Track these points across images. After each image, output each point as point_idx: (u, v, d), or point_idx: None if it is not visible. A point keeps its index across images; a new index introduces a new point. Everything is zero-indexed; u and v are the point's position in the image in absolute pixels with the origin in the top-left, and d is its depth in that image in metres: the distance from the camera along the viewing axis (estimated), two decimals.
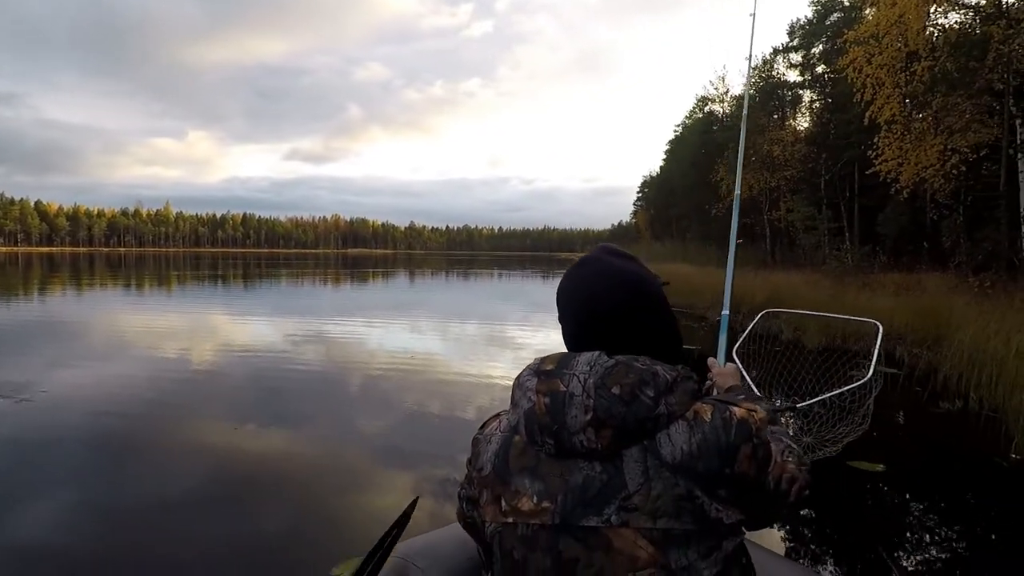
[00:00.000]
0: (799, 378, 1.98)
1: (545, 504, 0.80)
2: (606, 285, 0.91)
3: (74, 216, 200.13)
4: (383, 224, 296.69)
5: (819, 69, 25.49)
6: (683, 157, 38.40)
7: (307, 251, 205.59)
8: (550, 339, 9.80)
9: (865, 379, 1.73)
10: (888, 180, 14.26)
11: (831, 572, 2.88)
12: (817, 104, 25.98)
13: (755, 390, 1.71)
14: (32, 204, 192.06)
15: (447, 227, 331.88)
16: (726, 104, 34.78)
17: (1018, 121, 12.54)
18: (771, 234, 26.18)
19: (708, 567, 0.75)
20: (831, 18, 24.41)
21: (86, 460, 4.23)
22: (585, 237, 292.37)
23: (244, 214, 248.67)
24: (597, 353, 0.85)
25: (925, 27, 13.65)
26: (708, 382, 1.32)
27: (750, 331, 1.98)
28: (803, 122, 27.09)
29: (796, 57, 26.67)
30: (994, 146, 13.05)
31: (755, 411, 0.83)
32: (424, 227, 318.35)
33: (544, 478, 0.81)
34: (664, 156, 49.73)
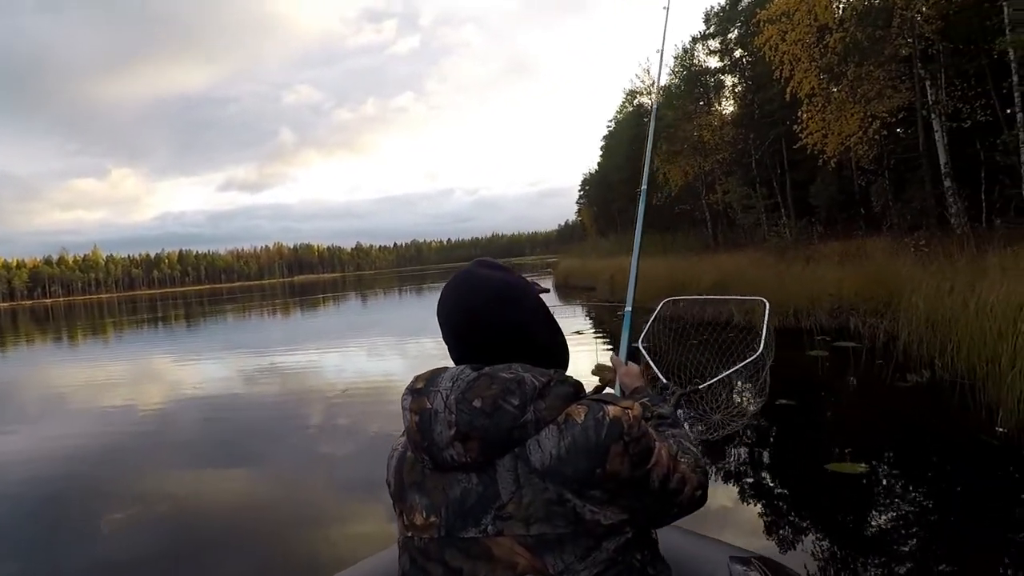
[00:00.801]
0: (707, 359, 2.04)
1: (432, 518, 0.83)
2: (481, 297, 0.91)
3: None
4: (329, 248, 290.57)
5: (737, 53, 26.10)
6: (618, 152, 38.82)
7: (251, 283, 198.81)
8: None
9: (756, 355, 1.83)
10: (815, 152, 14.49)
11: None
12: (739, 87, 26.59)
13: (661, 378, 1.79)
14: None
15: (395, 244, 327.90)
16: (654, 95, 35.38)
17: (927, 83, 12.92)
18: (711, 217, 26.54)
19: (587, 568, 0.77)
20: (743, 2, 25.01)
21: (23, 531, 3.90)
22: (534, 240, 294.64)
23: (180, 251, 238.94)
24: (462, 368, 0.87)
25: (832, 1, 13.93)
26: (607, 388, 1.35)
27: (654, 320, 2.05)
28: (728, 106, 27.74)
29: (715, 44, 27.26)
30: (910, 108, 13.41)
31: (630, 408, 0.83)
32: (371, 246, 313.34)
33: (429, 493, 0.84)
34: (600, 152, 50.29)
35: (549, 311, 0.98)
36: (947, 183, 12.62)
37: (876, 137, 12.89)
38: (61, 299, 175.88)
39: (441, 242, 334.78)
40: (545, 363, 0.89)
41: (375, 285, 57.25)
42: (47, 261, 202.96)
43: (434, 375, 0.88)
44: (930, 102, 12.82)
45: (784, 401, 4.87)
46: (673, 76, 28.30)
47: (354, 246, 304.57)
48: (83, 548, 3.57)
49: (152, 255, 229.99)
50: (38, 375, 12.37)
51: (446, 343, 0.96)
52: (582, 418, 0.80)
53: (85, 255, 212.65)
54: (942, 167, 12.68)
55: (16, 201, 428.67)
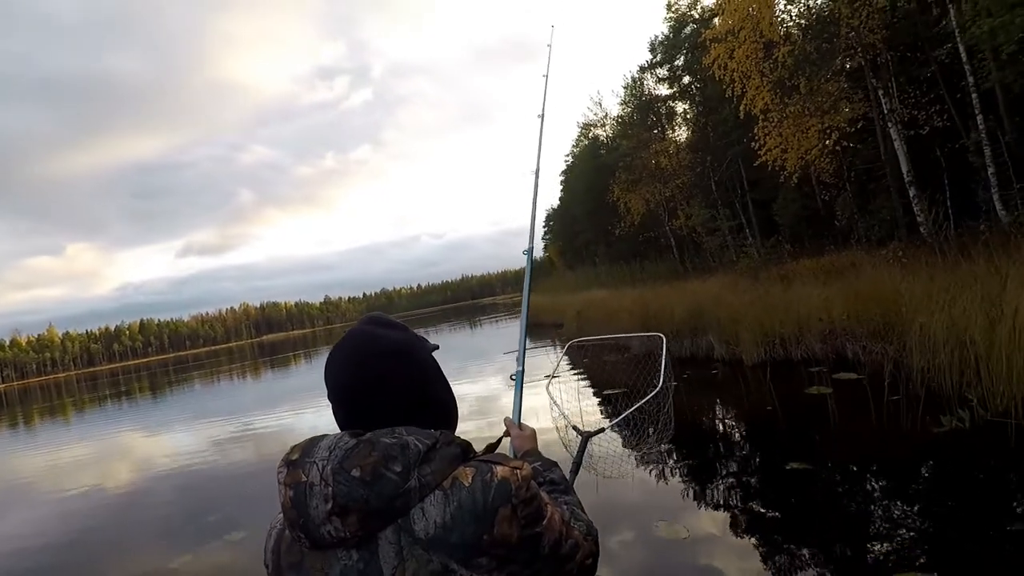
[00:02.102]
0: (617, 396, 1.85)
1: None
2: (376, 356, 0.87)
3: None
4: (296, 303, 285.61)
5: (686, 80, 26.28)
6: (578, 185, 38.75)
7: (218, 347, 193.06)
8: (488, 387, 9.35)
9: (657, 389, 1.87)
10: (775, 169, 14.12)
11: None
12: (691, 113, 26.69)
13: (568, 420, 1.83)
14: None
15: (364, 294, 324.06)
16: (607, 127, 35.61)
17: (880, 92, 12.71)
18: (676, 243, 26.20)
19: None
20: (686, 30, 25.29)
21: None
22: (504, 279, 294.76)
23: (141, 321, 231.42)
24: (340, 435, 0.81)
25: (776, 16, 13.80)
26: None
27: (558, 364, 2.15)
28: (683, 133, 27.83)
29: (663, 71, 27.46)
30: (867, 118, 13.15)
31: (519, 468, 0.80)
32: (340, 299, 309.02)
33: (307, 573, 0.79)
34: (560, 187, 50.36)
35: (441, 369, 0.96)
36: (912, 191, 12.28)
37: (836, 149, 12.55)
38: (15, 383, 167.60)
39: (411, 288, 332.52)
40: (435, 424, 0.86)
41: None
42: None
43: (310, 444, 0.82)
44: (885, 111, 12.59)
45: (796, 465, 3.97)
46: (625, 105, 28.33)
47: (322, 300, 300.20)
48: None
49: (112, 328, 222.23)
50: None
51: (332, 407, 0.90)
52: (469, 480, 0.77)
53: (39, 335, 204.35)
54: (905, 175, 12.35)
55: None
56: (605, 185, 28.89)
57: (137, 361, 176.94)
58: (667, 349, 1.98)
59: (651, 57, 27.78)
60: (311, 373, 22.06)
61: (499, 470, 0.78)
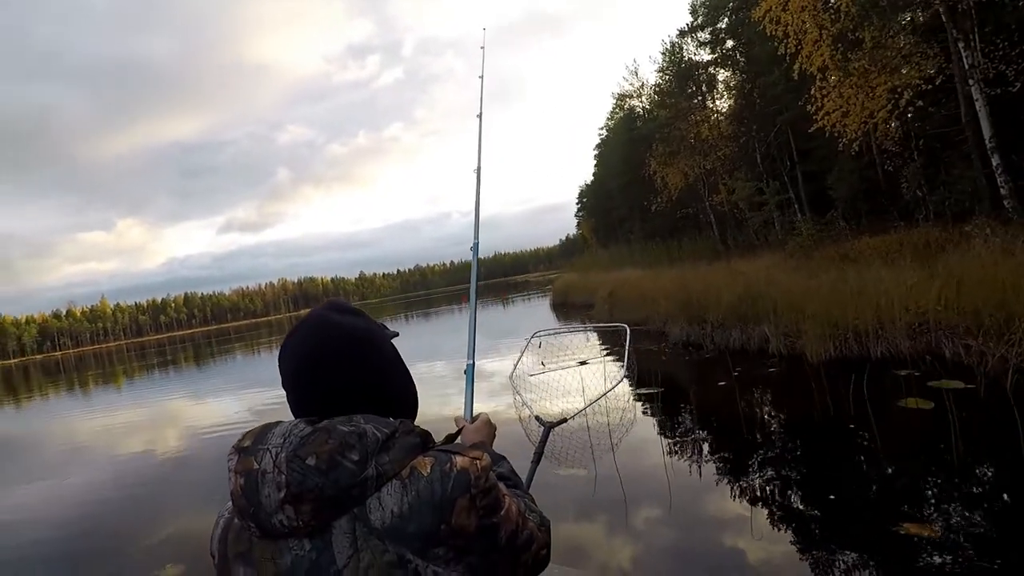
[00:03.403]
0: (580, 387, 2.11)
1: None
2: (328, 344, 0.85)
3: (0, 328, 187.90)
4: (332, 279, 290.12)
5: (729, 44, 24.44)
6: (613, 159, 37.23)
7: (258, 320, 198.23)
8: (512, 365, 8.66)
9: (618, 382, 1.91)
10: (833, 136, 12.61)
11: None
12: (735, 80, 24.85)
13: (532, 412, 1.84)
14: None
15: (398, 270, 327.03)
16: (644, 97, 33.85)
17: (960, 44, 11.06)
18: (716, 220, 24.66)
19: None
20: None
21: None
22: (537, 256, 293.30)
23: (186, 294, 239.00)
24: (296, 422, 0.79)
25: None
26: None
27: (521, 356, 2.02)
28: (725, 102, 26.02)
29: (704, 35, 25.63)
30: (946, 74, 11.50)
31: (479, 459, 0.79)
32: (375, 275, 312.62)
33: (257, 564, 0.76)
34: (595, 162, 48.76)
35: (400, 357, 0.95)
36: (995, 159, 10.71)
37: (910, 110, 10.99)
38: (71, 351, 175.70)
39: (445, 265, 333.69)
40: (394, 413, 0.86)
41: (381, 313, 55.95)
42: (55, 315, 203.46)
43: (263, 431, 0.80)
44: (965, 67, 10.96)
45: (914, 529, 2.73)
46: (663, 73, 26.59)
47: (357, 276, 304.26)
48: None
49: (159, 300, 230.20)
50: (55, 428, 12.08)
51: (287, 394, 0.88)
52: (428, 470, 0.75)
53: (92, 306, 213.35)
54: (987, 140, 10.78)
55: (26, 259, 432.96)
56: (641, 158, 27.47)
57: (182, 332, 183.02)
58: (630, 340, 2.00)
59: (691, 20, 25.99)
60: None
61: (458, 460, 0.77)
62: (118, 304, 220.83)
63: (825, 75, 12.27)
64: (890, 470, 3.48)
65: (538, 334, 2.14)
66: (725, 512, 3.30)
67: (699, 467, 3.92)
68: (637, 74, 33.88)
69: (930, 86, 10.92)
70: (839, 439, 4.05)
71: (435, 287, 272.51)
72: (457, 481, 0.74)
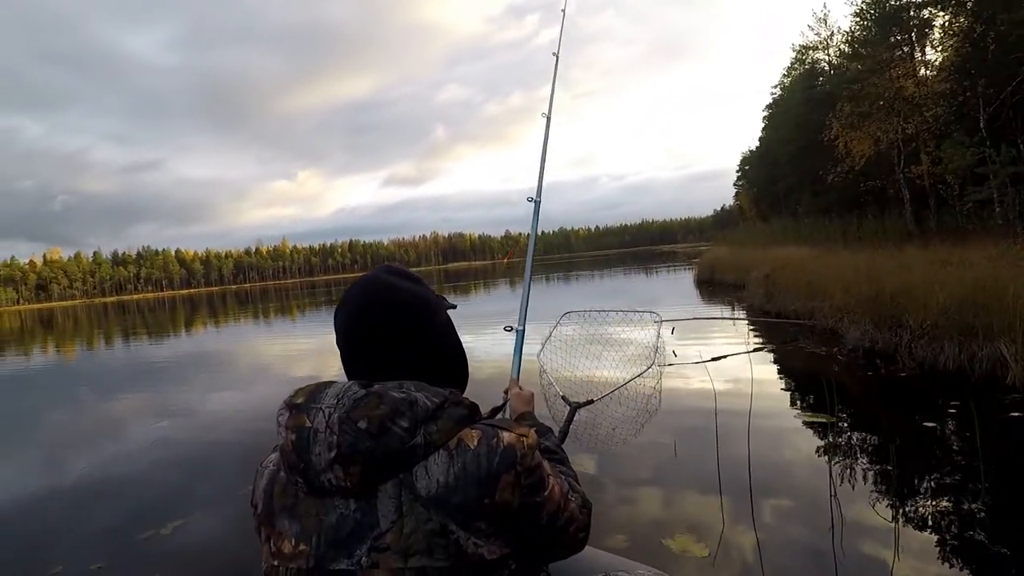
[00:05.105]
0: (605, 371, 1.95)
1: (302, 547, 0.75)
2: (384, 308, 0.87)
3: (206, 260, 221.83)
4: (480, 236, 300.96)
5: None
6: (785, 121, 32.93)
7: (410, 270, 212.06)
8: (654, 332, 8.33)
9: (647, 367, 1.86)
10: None
11: None
12: (956, 24, 20.09)
13: (559, 391, 1.83)
14: (172, 253, 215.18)
15: (542, 232, 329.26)
16: (832, 49, 29.15)
17: None
18: (911, 195, 20.56)
19: None
20: None
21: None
22: (687, 226, 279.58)
23: (350, 241, 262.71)
24: (348, 384, 0.80)
25: None
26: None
27: (551, 333, 2.03)
28: (936, 55, 21.26)
29: None
30: None
31: (525, 436, 0.79)
32: (520, 235, 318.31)
33: (301, 518, 0.77)
34: (763, 125, 43.86)
35: (454, 327, 0.96)
36: None
37: None
38: (257, 283, 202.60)
39: (589, 229, 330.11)
40: (444, 382, 0.85)
41: (522, 272, 56.29)
42: (247, 252, 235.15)
43: (317, 390, 0.81)
44: None
45: None
46: (860, 18, 22.38)
47: (503, 234, 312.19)
48: None
49: (328, 245, 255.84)
50: (245, 347, 13.56)
51: (341, 353, 0.90)
52: (475, 444, 0.76)
53: (275, 246, 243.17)
54: None
55: (229, 201, 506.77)
56: (820, 121, 23.71)
57: (346, 275, 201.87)
58: (660, 329, 1.98)
59: None
60: (489, 303, 21.87)
61: (505, 436, 0.77)
62: (295, 246, 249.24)
63: None
64: None
65: (569, 313, 2.09)
66: None
67: None
68: (825, 22, 29.07)
69: None
70: None
71: (577, 251, 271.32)
72: (503, 457, 0.74)
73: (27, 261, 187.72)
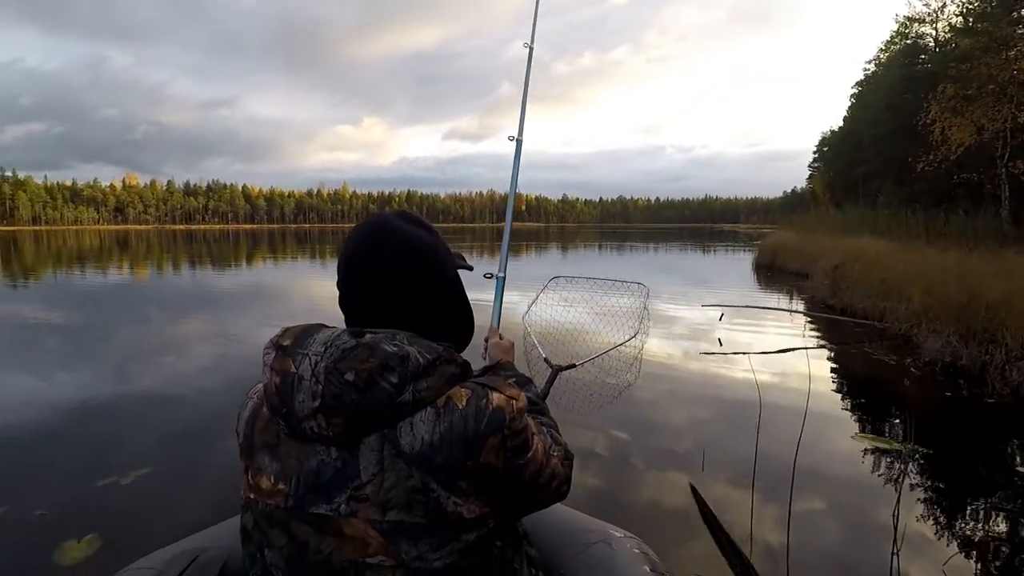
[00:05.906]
0: (591, 337, 1.97)
1: (280, 486, 0.74)
2: (394, 253, 0.84)
3: (270, 198, 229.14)
4: (536, 198, 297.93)
5: None
6: (875, 100, 30.33)
7: (464, 225, 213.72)
8: (704, 315, 8.60)
9: (630, 336, 1.87)
10: None
11: None
12: None
13: (542, 352, 1.83)
14: (240, 188, 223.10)
15: (600, 199, 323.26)
16: (941, 23, 26.31)
17: None
18: (1011, 192, 18.51)
19: (441, 558, 0.71)
20: None
21: None
22: (752, 206, 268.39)
23: (408, 191, 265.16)
24: (339, 332, 0.77)
25: None
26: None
27: (538, 296, 2.01)
28: None
29: None
30: None
31: (515, 399, 0.77)
32: (577, 199, 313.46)
33: (282, 458, 0.76)
34: (849, 104, 40.70)
35: (462, 284, 0.94)
36: None
37: None
38: (316, 224, 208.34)
39: (648, 200, 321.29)
40: (442, 337, 0.82)
41: (576, 239, 56.21)
42: (308, 193, 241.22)
43: (304, 333, 0.78)
44: None
45: None
46: None
47: (560, 198, 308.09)
48: None
49: (387, 193, 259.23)
50: (299, 284, 14.12)
51: (340, 295, 0.88)
52: (463, 403, 0.74)
53: (336, 190, 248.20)
54: None
55: (296, 142, 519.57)
56: (916, 103, 21.53)
57: None
58: (648, 296, 1.99)
59: None
60: (537, 265, 21.39)
61: (495, 397, 0.75)
62: (355, 191, 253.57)
63: None
64: None
65: (557, 278, 2.05)
66: None
67: None
68: None
69: None
70: None
71: (635, 222, 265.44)
72: (492, 419, 0.73)
73: (108, 184, 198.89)
